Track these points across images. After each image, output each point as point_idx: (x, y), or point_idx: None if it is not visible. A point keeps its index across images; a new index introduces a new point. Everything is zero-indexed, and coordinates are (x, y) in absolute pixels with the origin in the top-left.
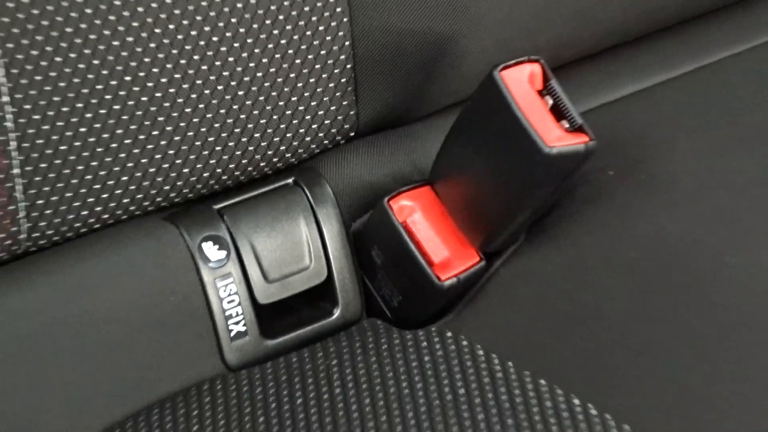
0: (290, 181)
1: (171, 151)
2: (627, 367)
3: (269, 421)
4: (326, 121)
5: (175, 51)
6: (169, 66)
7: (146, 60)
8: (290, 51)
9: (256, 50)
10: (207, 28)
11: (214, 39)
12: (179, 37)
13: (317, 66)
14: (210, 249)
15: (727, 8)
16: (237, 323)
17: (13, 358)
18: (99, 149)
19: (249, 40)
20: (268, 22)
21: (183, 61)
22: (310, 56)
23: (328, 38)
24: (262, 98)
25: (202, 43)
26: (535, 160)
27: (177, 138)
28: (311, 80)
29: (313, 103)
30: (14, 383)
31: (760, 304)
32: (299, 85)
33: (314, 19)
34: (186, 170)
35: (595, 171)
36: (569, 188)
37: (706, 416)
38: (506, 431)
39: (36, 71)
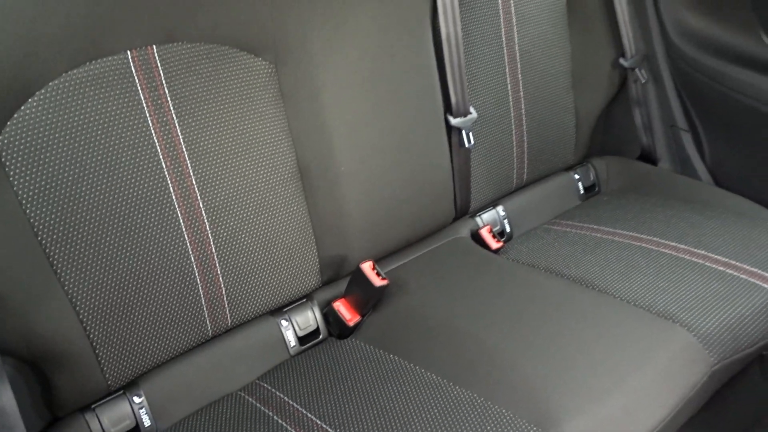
0: (305, 300)
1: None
2: (418, 345)
3: (305, 371)
4: (311, 284)
5: None
6: None
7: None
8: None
9: None
10: None
11: None
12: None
13: (311, 279)
14: (282, 323)
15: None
16: (292, 343)
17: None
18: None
19: None
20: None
21: None
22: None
23: (310, 275)
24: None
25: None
26: (371, 289)
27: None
28: (306, 280)
29: (307, 282)
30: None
31: (436, 325)
32: (302, 282)
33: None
34: (274, 299)
35: (389, 291)
36: (381, 296)
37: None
38: (376, 369)
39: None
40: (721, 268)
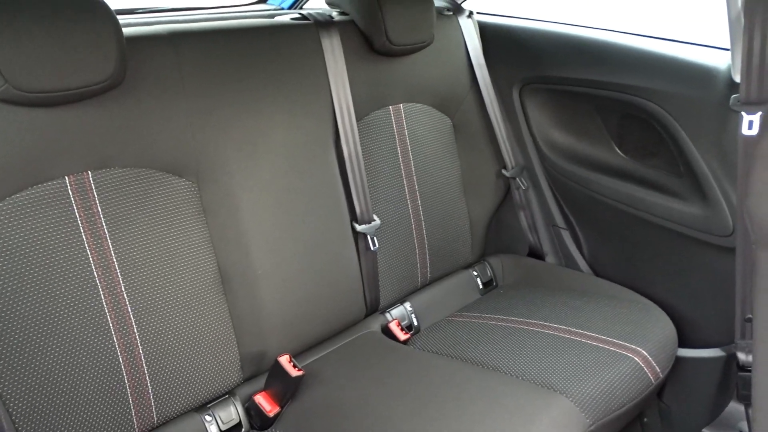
0: (227, 395)
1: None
2: (333, 428)
3: None
4: (233, 380)
5: None
6: None
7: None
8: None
9: None
10: None
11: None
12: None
13: (232, 375)
14: (206, 418)
15: None
16: None
17: None
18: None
19: None
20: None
21: None
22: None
23: (232, 371)
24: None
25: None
26: (288, 379)
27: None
28: (228, 376)
29: (229, 378)
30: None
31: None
32: (224, 379)
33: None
34: (198, 396)
35: (307, 382)
36: (298, 386)
37: None
38: None
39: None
40: (594, 343)
